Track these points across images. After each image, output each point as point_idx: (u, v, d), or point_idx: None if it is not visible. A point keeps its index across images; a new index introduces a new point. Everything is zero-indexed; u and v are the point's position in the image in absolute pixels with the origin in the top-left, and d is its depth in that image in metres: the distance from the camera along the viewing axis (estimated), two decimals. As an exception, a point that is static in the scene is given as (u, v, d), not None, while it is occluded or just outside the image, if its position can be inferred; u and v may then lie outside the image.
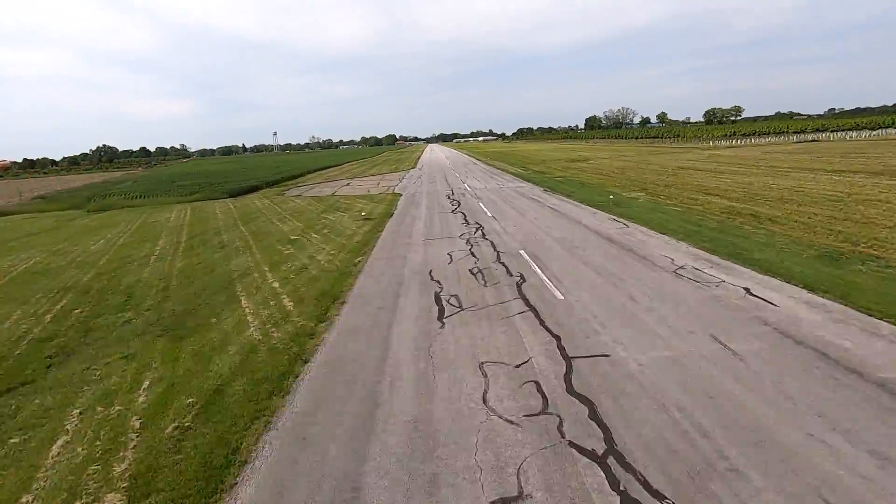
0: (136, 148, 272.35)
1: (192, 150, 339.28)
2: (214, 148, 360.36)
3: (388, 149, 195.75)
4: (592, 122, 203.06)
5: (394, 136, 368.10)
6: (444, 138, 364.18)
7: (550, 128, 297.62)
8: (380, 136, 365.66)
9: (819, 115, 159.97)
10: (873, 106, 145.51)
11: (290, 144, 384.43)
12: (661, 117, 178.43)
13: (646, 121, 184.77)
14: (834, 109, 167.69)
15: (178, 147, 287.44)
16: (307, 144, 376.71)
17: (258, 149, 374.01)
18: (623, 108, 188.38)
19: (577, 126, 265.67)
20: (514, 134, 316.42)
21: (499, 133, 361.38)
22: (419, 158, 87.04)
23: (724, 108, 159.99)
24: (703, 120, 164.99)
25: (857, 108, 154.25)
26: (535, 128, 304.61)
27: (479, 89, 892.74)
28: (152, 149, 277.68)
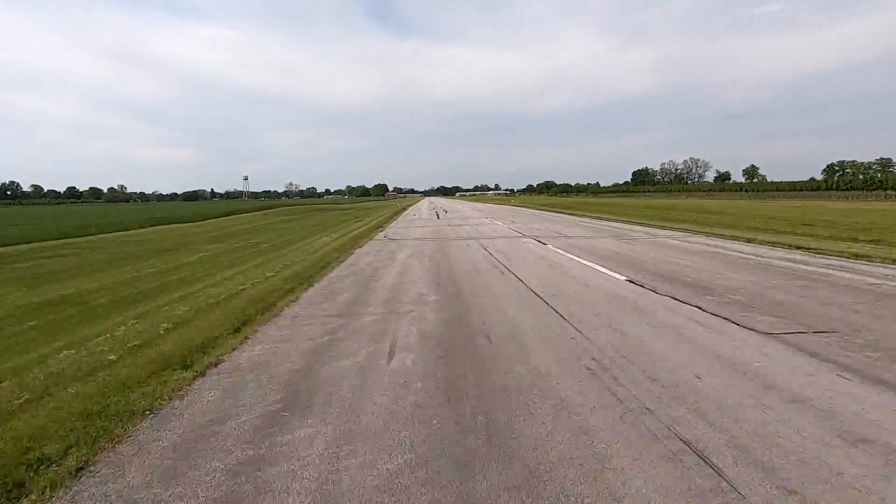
0: (62, 188, 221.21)
1: (161, 192, 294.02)
2: (179, 192, 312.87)
3: (355, 202, 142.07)
4: (643, 177, 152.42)
5: (384, 185, 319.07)
6: (445, 192, 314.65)
7: (567, 184, 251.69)
8: (368, 186, 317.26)
9: None
10: None
11: (267, 191, 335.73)
12: (751, 172, 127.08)
13: (725, 176, 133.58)
14: None
15: (117, 187, 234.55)
16: (286, 192, 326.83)
17: (230, 195, 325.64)
18: (691, 159, 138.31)
19: (597, 182, 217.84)
20: (522, 190, 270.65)
21: (505, 188, 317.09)
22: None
23: (860, 160, 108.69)
24: (821, 177, 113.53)
25: None
26: (536, 184, 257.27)
27: (480, 145, 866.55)
28: (84, 188, 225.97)
